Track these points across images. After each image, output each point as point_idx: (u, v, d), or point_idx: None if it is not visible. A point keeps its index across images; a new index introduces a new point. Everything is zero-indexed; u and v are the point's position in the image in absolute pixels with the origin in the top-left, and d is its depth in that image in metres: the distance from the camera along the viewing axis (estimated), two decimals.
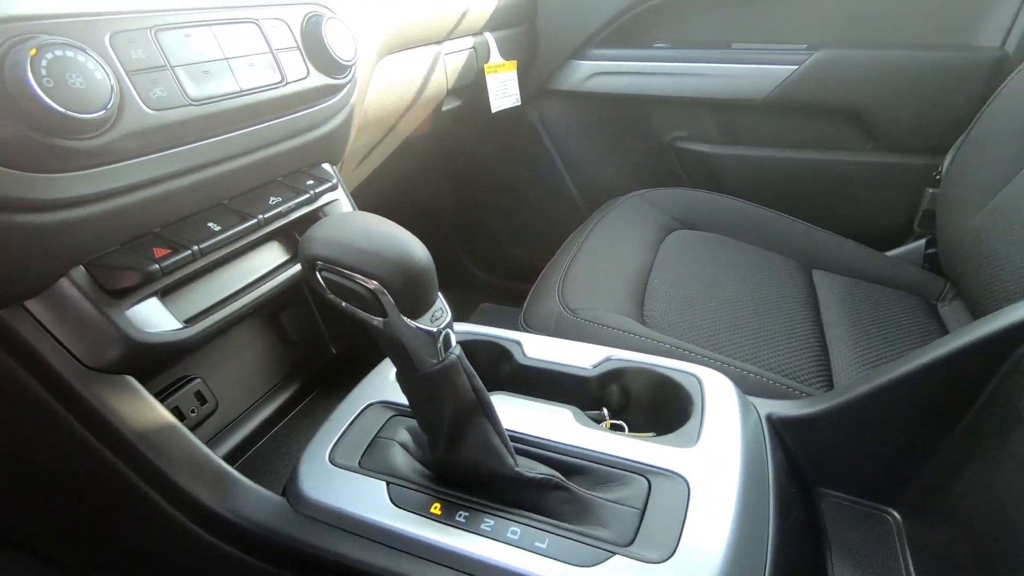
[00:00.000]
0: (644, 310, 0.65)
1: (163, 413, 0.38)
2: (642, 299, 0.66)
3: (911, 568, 0.36)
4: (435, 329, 0.32)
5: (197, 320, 0.40)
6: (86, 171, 0.31)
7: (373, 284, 0.30)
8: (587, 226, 0.84)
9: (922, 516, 0.38)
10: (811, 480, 0.43)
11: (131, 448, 0.36)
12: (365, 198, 0.66)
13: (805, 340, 0.62)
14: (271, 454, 0.52)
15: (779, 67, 0.90)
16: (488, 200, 1.20)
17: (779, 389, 0.52)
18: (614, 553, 0.31)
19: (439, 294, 0.33)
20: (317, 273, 0.30)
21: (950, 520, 0.34)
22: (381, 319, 0.31)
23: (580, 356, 0.47)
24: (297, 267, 0.49)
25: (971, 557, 0.27)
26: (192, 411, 0.46)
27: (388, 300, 0.30)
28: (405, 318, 0.31)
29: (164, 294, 0.39)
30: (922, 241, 0.86)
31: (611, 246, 0.78)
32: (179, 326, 0.39)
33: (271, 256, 0.48)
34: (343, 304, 0.31)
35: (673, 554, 0.30)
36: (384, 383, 0.46)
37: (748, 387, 0.48)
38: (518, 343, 0.49)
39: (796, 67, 0.89)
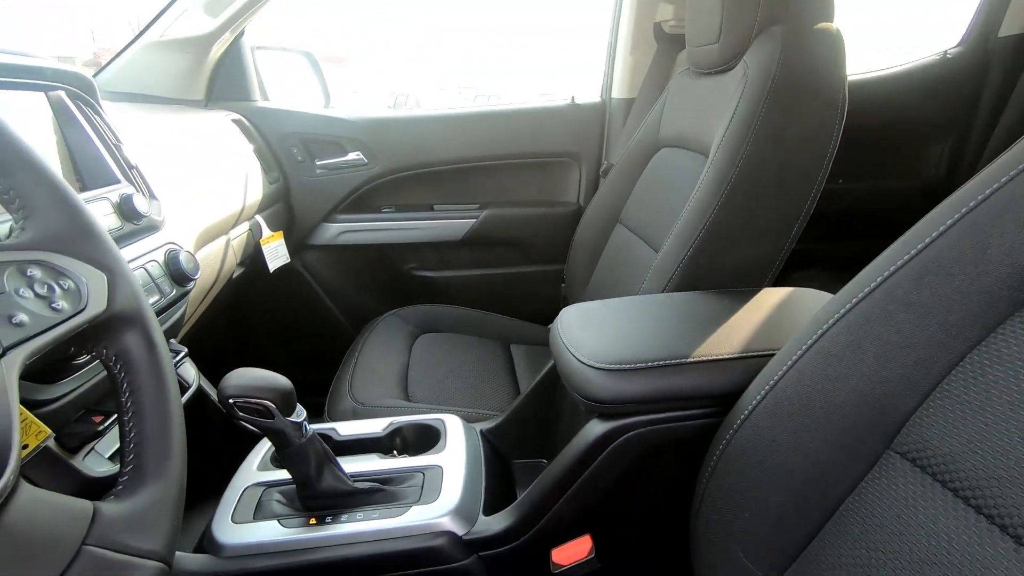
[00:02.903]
0: (408, 392, 0.99)
1: None
2: (406, 385, 1.01)
3: None
4: (300, 420, 0.61)
5: (115, 458, 0.61)
6: (67, 377, 0.53)
7: (265, 402, 0.58)
8: (357, 343, 1.16)
9: (552, 455, 0.78)
10: (507, 456, 0.82)
11: None
12: None
13: (505, 387, 1.04)
14: None
15: (465, 220, 1.39)
16: (271, 338, 1.43)
17: (488, 416, 0.91)
18: (411, 506, 0.63)
19: (298, 403, 0.62)
20: (232, 403, 0.57)
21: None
22: (271, 421, 0.59)
23: (374, 427, 0.79)
24: None
25: None
26: None
27: (274, 409, 0.59)
28: (283, 417, 0.59)
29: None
30: None
31: (378, 354, 1.11)
32: (108, 463, 0.59)
33: None
34: (247, 417, 0.58)
35: (437, 498, 0.64)
36: (250, 474, 0.70)
37: (472, 419, 0.85)
38: (334, 428, 0.78)
39: (475, 219, 1.39)
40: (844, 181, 1.47)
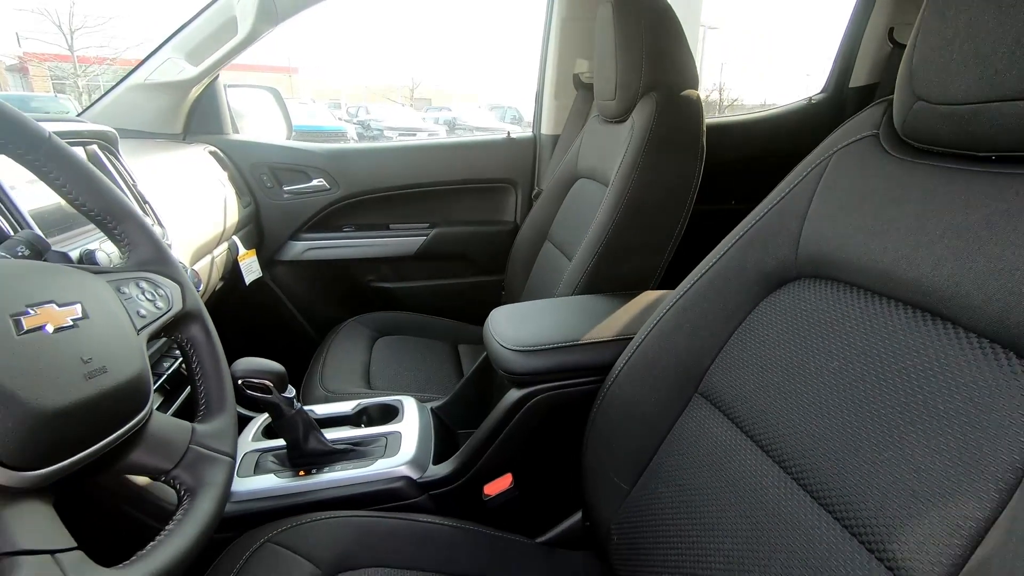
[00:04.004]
0: (371, 382, 1.19)
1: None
2: (368, 377, 1.21)
3: None
4: (291, 396, 0.80)
5: None
6: None
7: (265, 381, 0.77)
8: (324, 345, 1.34)
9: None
10: (452, 427, 1.03)
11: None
12: None
13: (451, 377, 1.25)
14: None
15: (417, 237, 1.60)
16: (246, 344, 1.59)
17: (437, 399, 1.11)
18: (377, 459, 0.83)
19: (289, 383, 0.81)
20: (241, 382, 0.76)
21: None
22: (270, 396, 0.78)
23: (344, 407, 0.98)
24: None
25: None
26: None
27: (271, 386, 0.78)
28: (279, 393, 0.79)
29: None
30: None
31: (343, 354, 1.30)
32: None
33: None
34: (252, 393, 0.77)
35: (397, 453, 0.84)
36: (247, 443, 0.88)
37: (424, 400, 1.06)
38: (312, 409, 0.97)
39: (426, 236, 1.60)
40: (736, 202, 1.76)
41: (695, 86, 1.09)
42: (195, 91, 1.37)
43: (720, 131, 1.67)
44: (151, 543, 0.40)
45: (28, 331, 0.36)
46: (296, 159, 1.51)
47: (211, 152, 1.38)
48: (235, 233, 1.34)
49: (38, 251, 0.53)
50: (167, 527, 0.43)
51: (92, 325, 0.41)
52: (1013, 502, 0.36)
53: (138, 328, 0.48)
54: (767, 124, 1.71)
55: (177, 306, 0.54)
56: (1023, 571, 0.33)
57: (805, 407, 0.53)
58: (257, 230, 1.49)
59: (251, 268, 1.37)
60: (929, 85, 0.48)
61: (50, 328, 0.38)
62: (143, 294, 0.51)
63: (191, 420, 0.52)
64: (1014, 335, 0.40)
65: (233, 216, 1.31)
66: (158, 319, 0.51)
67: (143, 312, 0.49)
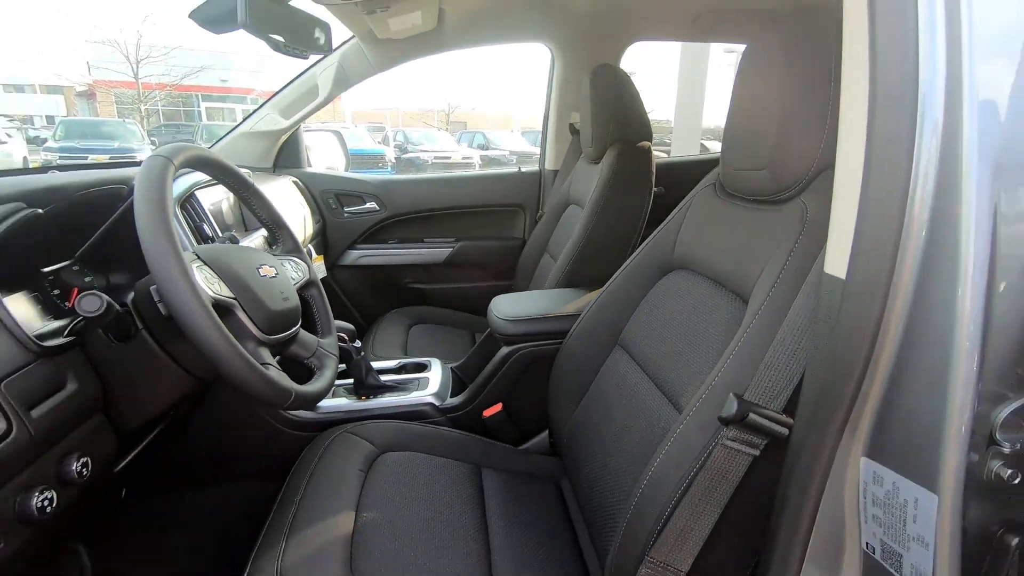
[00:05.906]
0: (407, 353, 1.60)
1: None
2: (406, 349, 1.62)
3: None
4: (358, 347, 1.22)
5: None
6: None
7: (343, 333, 1.19)
8: (372, 329, 1.77)
9: None
10: (466, 381, 1.42)
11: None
12: None
13: (467, 352, 1.65)
14: None
15: (445, 249, 2.02)
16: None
17: (454, 363, 1.51)
18: (413, 391, 1.23)
19: (357, 338, 1.23)
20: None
21: None
22: (344, 344, 1.19)
23: (390, 363, 1.39)
24: None
25: None
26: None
27: (347, 337, 1.19)
28: (351, 343, 1.20)
29: None
30: None
31: (387, 333, 1.72)
32: None
33: None
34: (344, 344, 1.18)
35: (427, 388, 1.25)
36: None
37: (445, 362, 1.46)
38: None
39: (452, 248, 2.02)
40: None
41: (649, 139, 1.49)
42: (284, 137, 1.83)
43: (680, 168, 2.06)
44: (305, 384, 0.82)
45: (262, 276, 0.78)
46: (355, 187, 1.96)
47: (294, 181, 1.84)
48: (310, 243, 1.78)
49: (235, 243, 0.96)
50: (310, 381, 0.84)
51: (280, 277, 0.83)
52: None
53: (296, 285, 0.90)
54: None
55: (307, 276, 0.96)
56: (708, 399, 0.70)
57: (662, 337, 0.91)
58: (324, 241, 1.93)
59: (320, 270, 1.81)
60: (726, 156, 0.88)
61: (268, 276, 0.80)
62: (291, 268, 0.93)
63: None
64: (742, 289, 0.78)
65: (309, 229, 1.76)
66: (300, 281, 0.93)
67: (294, 277, 0.92)
